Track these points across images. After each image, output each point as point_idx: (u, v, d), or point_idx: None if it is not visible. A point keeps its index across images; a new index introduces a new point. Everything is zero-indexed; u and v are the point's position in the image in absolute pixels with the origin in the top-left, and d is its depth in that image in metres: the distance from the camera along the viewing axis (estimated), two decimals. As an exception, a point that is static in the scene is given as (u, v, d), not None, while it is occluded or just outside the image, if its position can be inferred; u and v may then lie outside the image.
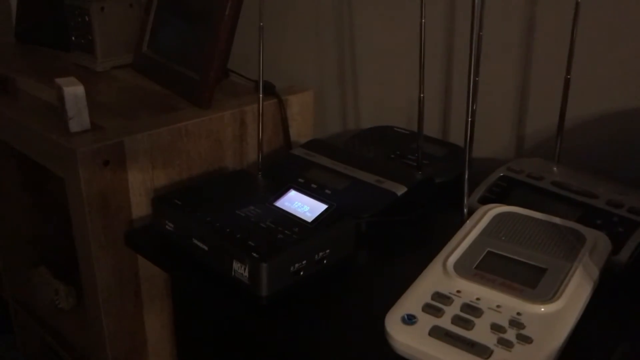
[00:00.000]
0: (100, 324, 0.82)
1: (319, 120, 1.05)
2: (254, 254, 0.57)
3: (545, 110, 0.79)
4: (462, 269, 0.55)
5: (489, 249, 0.57)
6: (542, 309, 0.50)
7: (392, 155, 0.82)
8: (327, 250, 0.61)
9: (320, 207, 0.65)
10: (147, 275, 0.84)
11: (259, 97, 0.76)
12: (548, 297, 0.51)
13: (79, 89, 0.78)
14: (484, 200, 0.69)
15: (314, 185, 0.73)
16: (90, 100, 0.81)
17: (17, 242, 1.15)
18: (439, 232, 0.70)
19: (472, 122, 0.80)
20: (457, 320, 0.50)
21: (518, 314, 0.50)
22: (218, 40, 0.86)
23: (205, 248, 0.62)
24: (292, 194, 0.68)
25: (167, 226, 0.66)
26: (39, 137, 0.82)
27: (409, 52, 0.91)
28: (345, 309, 0.59)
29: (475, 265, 0.55)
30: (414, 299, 0.53)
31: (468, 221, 0.61)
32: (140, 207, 0.80)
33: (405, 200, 0.72)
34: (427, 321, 0.50)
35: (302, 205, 0.66)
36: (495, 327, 0.49)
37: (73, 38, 1.07)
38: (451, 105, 0.89)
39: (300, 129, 0.98)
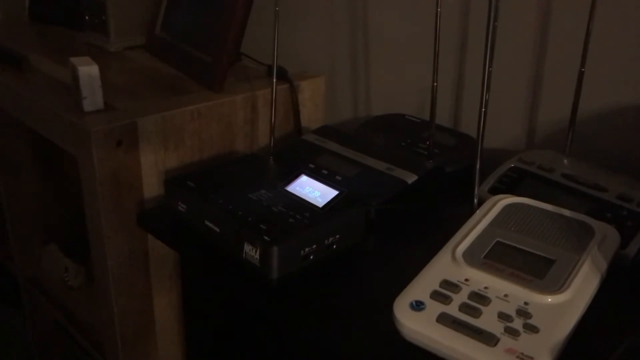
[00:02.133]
0: (110, 302, 0.83)
1: (330, 106, 1.05)
2: (266, 237, 0.58)
3: (558, 102, 0.79)
4: (471, 257, 0.55)
5: (498, 239, 0.58)
6: (550, 300, 0.51)
7: (403, 143, 0.83)
8: (337, 236, 0.62)
9: (331, 192, 0.66)
10: (156, 256, 0.85)
11: (273, 81, 0.76)
12: (556, 288, 0.52)
13: (94, 69, 0.79)
14: (494, 191, 0.69)
15: (324, 171, 0.74)
16: (103, 80, 0.81)
17: (27, 219, 1.16)
18: (449, 221, 0.71)
19: (485, 113, 0.80)
20: (464, 307, 0.51)
21: (525, 303, 0.51)
22: (232, 24, 0.86)
23: (217, 230, 0.62)
24: (304, 179, 0.69)
25: (179, 207, 0.67)
26: (53, 116, 0.82)
27: (423, 41, 0.91)
28: (353, 293, 0.59)
29: (484, 255, 0.56)
30: (422, 285, 0.53)
31: (478, 211, 0.62)
32: (151, 188, 0.81)
33: (415, 189, 0.72)
34: (435, 308, 0.51)
35: (313, 190, 0.66)
36: (503, 316, 0.50)
37: (87, 17, 1.08)
38: (463, 95, 0.89)
39: (311, 115, 0.98)
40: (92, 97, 0.79)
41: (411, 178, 0.72)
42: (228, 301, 0.71)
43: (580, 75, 0.71)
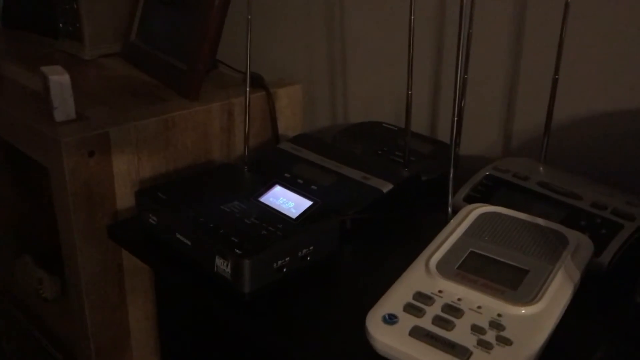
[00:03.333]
0: (84, 314, 0.81)
1: (308, 114, 1.05)
2: (237, 250, 0.57)
3: (534, 110, 0.79)
4: (445, 269, 0.55)
5: (471, 249, 0.57)
6: (523, 311, 0.50)
7: (380, 152, 0.82)
8: (311, 247, 0.61)
9: (305, 203, 0.65)
10: (131, 267, 0.83)
11: (246, 90, 0.75)
12: (529, 298, 0.51)
13: (65, 78, 0.77)
14: (469, 199, 0.69)
15: (300, 181, 0.73)
16: (77, 89, 0.80)
17: (0, 230, 1.14)
18: (425, 230, 0.70)
19: (460, 121, 0.80)
20: (438, 320, 0.50)
21: (499, 315, 0.50)
22: (207, 31, 0.85)
23: (189, 243, 0.61)
24: (278, 189, 0.68)
25: (150, 220, 0.66)
26: (23, 126, 0.81)
27: (400, 48, 0.90)
28: (328, 306, 0.58)
29: (457, 266, 0.55)
30: (395, 298, 0.53)
31: (452, 220, 0.61)
32: (125, 198, 0.80)
33: (391, 198, 0.71)
34: (408, 321, 0.50)
35: (287, 201, 0.66)
36: (476, 329, 0.49)
37: (61, 25, 1.06)
38: (440, 103, 0.89)
39: (289, 123, 0.97)
40: (64, 106, 0.78)
41: (387, 187, 0.71)
42: (202, 315, 0.70)
43: (555, 82, 0.71)
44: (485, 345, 0.48)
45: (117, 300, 0.83)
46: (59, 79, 0.77)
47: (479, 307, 0.51)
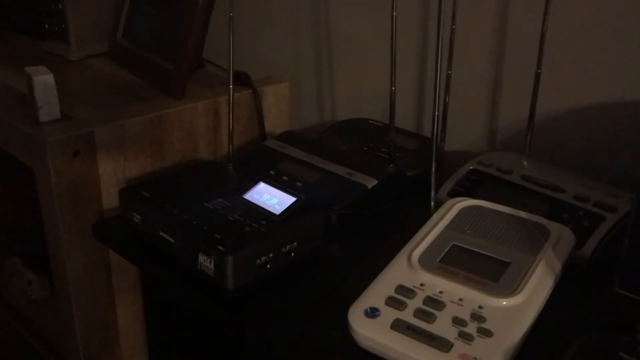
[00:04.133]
0: (72, 315, 0.81)
1: (295, 112, 1.05)
2: (220, 247, 0.57)
3: (518, 104, 0.80)
4: (427, 262, 0.55)
5: (454, 242, 0.57)
6: (504, 303, 0.51)
7: (365, 148, 0.82)
8: (295, 243, 0.61)
9: (288, 199, 0.65)
10: (118, 267, 0.83)
11: (230, 87, 0.75)
12: (510, 290, 0.52)
13: (49, 78, 0.77)
14: (453, 194, 0.69)
15: (285, 178, 0.73)
16: (63, 89, 0.80)
17: (-10, 232, 1.13)
18: (409, 225, 0.70)
19: (445, 116, 0.80)
20: (419, 313, 0.50)
21: (480, 307, 0.50)
22: (192, 30, 0.85)
23: (172, 241, 0.61)
24: (262, 186, 0.68)
25: (134, 218, 0.66)
26: (8, 127, 0.81)
27: (386, 44, 0.90)
28: (312, 301, 0.59)
29: (439, 259, 0.56)
30: (377, 292, 0.53)
31: (434, 215, 0.62)
32: (111, 198, 0.79)
33: (375, 193, 0.72)
34: (389, 314, 0.51)
35: (270, 197, 0.66)
36: (457, 321, 0.49)
37: (46, 26, 1.06)
38: (425, 99, 0.89)
39: (276, 120, 0.97)
40: (48, 106, 0.78)
41: (371, 183, 0.72)
42: (187, 312, 0.70)
43: (537, 76, 0.71)
44: (466, 337, 0.48)
45: (105, 300, 0.83)
46: (42, 79, 0.77)
47: (460, 300, 0.51)
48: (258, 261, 0.58)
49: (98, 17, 1.05)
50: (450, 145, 0.85)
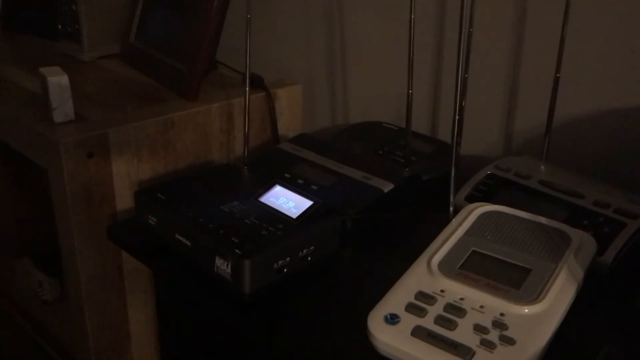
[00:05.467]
0: (83, 317, 0.81)
1: (308, 115, 1.04)
2: (237, 251, 0.56)
3: (535, 108, 0.79)
4: (447, 268, 0.54)
5: (473, 248, 0.57)
6: (526, 310, 0.50)
7: (380, 151, 0.82)
8: (312, 247, 0.61)
9: (305, 203, 0.65)
10: (130, 269, 0.83)
11: (246, 90, 0.75)
12: (532, 298, 0.51)
13: (63, 79, 0.77)
14: (471, 199, 0.69)
15: (300, 181, 0.73)
16: (76, 90, 0.79)
17: (0, 233, 1.13)
18: (426, 229, 0.70)
19: (461, 120, 0.79)
20: (440, 320, 0.50)
21: (501, 314, 0.50)
22: (206, 32, 0.85)
23: (188, 244, 0.61)
24: (278, 189, 0.67)
25: (150, 220, 0.66)
26: (22, 128, 0.80)
27: (400, 48, 0.90)
28: (329, 306, 0.58)
29: (459, 265, 0.55)
30: (397, 298, 0.52)
31: (453, 220, 0.61)
32: (124, 200, 0.79)
33: (391, 197, 0.71)
34: (410, 321, 0.50)
35: (287, 201, 0.65)
36: (479, 328, 0.49)
37: (60, 27, 1.06)
38: (441, 102, 0.89)
39: (289, 123, 0.97)
40: (62, 107, 0.78)
41: (387, 187, 0.71)
42: (202, 316, 0.70)
43: (556, 80, 0.70)
44: (488, 345, 0.47)
45: (117, 303, 0.83)
46: (57, 80, 0.76)
47: (482, 307, 0.51)
48: (275, 265, 0.58)
49: (111, 19, 1.05)
50: (466, 149, 0.84)
